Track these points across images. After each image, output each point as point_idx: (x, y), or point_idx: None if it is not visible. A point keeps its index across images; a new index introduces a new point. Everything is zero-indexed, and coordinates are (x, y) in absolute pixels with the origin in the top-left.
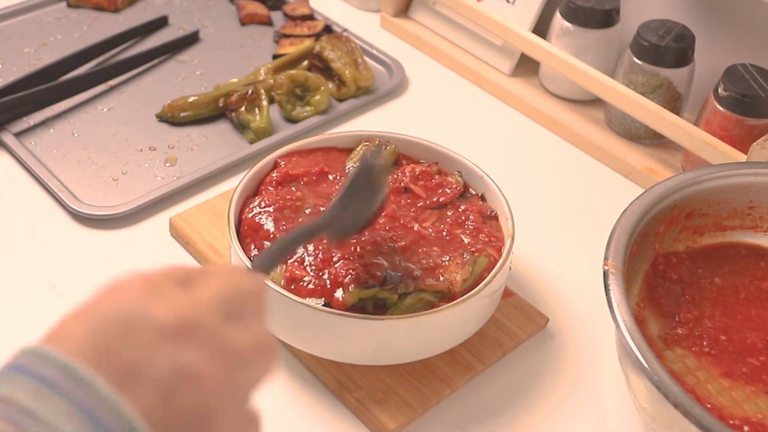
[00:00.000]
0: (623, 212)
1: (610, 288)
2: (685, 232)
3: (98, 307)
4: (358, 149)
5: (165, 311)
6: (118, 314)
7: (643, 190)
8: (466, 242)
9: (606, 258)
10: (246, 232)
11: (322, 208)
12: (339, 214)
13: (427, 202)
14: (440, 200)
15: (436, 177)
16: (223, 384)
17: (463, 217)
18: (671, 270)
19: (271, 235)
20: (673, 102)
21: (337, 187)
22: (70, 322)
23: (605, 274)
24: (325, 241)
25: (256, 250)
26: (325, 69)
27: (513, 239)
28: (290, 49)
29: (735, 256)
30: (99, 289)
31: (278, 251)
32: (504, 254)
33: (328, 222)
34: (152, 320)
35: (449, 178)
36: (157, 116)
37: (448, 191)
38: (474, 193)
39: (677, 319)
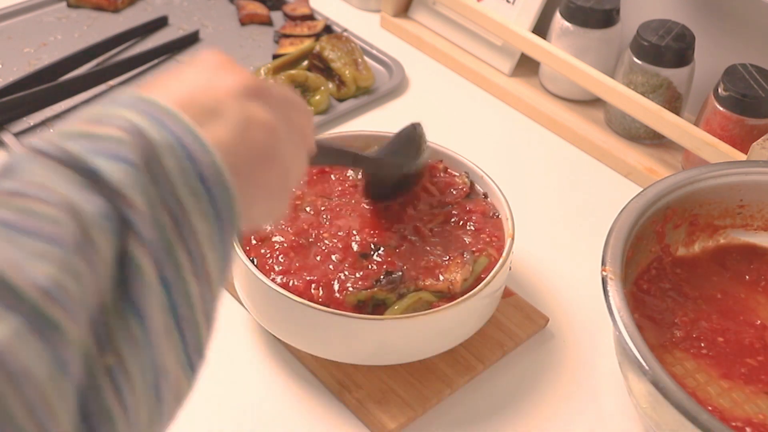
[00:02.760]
0: (617, 217)
1: (610, 294)
2: (678, 233)
3: (184, 72)
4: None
5: (237, 79)
6: (199, 77)
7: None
8: (467, 242)
9: (603, 263)
10: (246, 232)
11: (322, 208)
12: (384, 157)
13: (437, 201)
14: (447, 200)
15: (442, 174)
16: (284, 136)
17: (466, 217)
18: (661, 279)
19: (271, 235)
20: (673, 102)
21: (338, 187)
22: (161, 81)
23: (604, 281)
24: (365, 192)
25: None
26: (325, 69)
27: (513, 239)
28: (290, 49)
29: (727, 258)
30: (184, 62)
31: (328, 148)
32: (504, 254)
33: (374, 159)
34: (227, 83)
35: (456, 179)
36: None
37: (454, 192)
38: (478, 193)
39: (675, 321)
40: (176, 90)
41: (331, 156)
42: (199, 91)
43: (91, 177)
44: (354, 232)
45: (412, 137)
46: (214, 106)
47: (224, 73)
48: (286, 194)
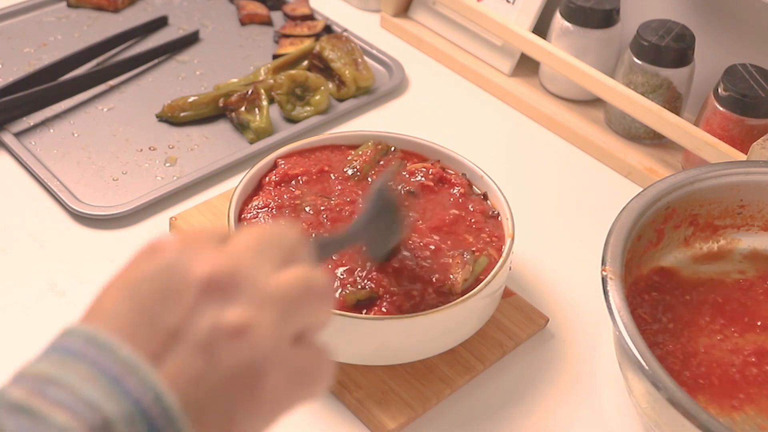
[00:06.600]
0: (617, 217)
1: (610, 294)
2: (678, 233)
3: (135, 272)
4: (359, 149)
5: (203, 267)
6: (155, 277)
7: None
8: (470, 241)
9: (603, 263)
10: None
11: (322, 208)
12: (367, 225)
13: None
14: (449, 200)
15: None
16: (268, 334)
17: (469, 217)
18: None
19: None
20: (673, 102)
21: (338, 187)
22: (108, 292)
23: (604, 280)
24: (365, 257)
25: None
26: (325, 69)
27: (513, 239)
28: (290, 49)
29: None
30: (136, 252)
31: (323, 246)
32: (504, 254)
33: (359, 231)
34: (191, 278)
35: (453, 180)
36: (157, 116)
37: (455, 192)
38: (478, 192)
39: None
40: (127, 311)
41: (329, 249)
42: (151, 306)
43: None
44: None
45: (381, 201)
46: (171, 326)
47: (181, 265)
48: (305, 384)
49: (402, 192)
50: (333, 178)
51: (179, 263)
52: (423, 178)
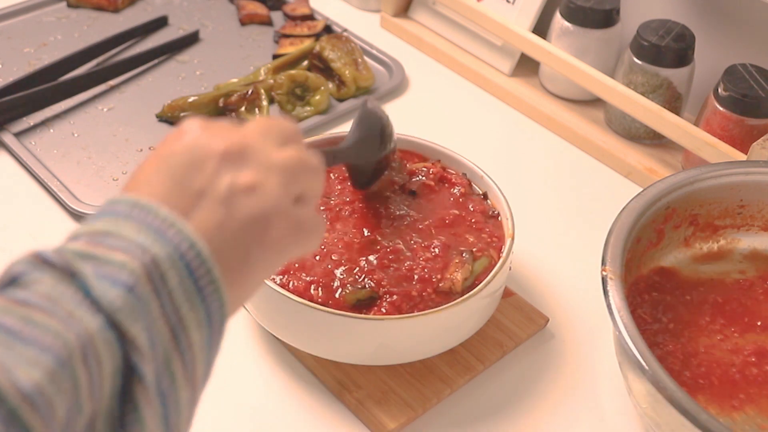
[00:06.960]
0: (617, 217)
1: (610, 294)
2: (679, 233)
3: (165, 150)
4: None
5: (221, 142)
6: (182, 152)
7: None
8: (470, 241)
9: (603, 263)
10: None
11: (321, 208)
12: (353, 145)
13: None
14: (449, 200)
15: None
16: (274, 192)
17: (469, 217)
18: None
19: None
20: (673, 102)
21: (338, 187)
22: (143, 167)
23: (604, 280)
24: (351, 181)
25: None
26: (325, 69)
27: (513, 239)
28: (290, 49)
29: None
30: (167, 136)
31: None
32: (504, 254)
33: (346, 150)
34: (211, 151)
35: (453, 179)
36: (157, 116)
37: (455, 191)
38: (478, 192)
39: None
40: (161, 180)
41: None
42: (181, 174)
43: (93, 301)
44: (353, 231)
45: (367, 117)
46: (197, 188)
47: (203, 142)
48: (303, 236)
49: (387, 115)
50: (333, 178)
51: (201, 140)
52: (423, 178)
